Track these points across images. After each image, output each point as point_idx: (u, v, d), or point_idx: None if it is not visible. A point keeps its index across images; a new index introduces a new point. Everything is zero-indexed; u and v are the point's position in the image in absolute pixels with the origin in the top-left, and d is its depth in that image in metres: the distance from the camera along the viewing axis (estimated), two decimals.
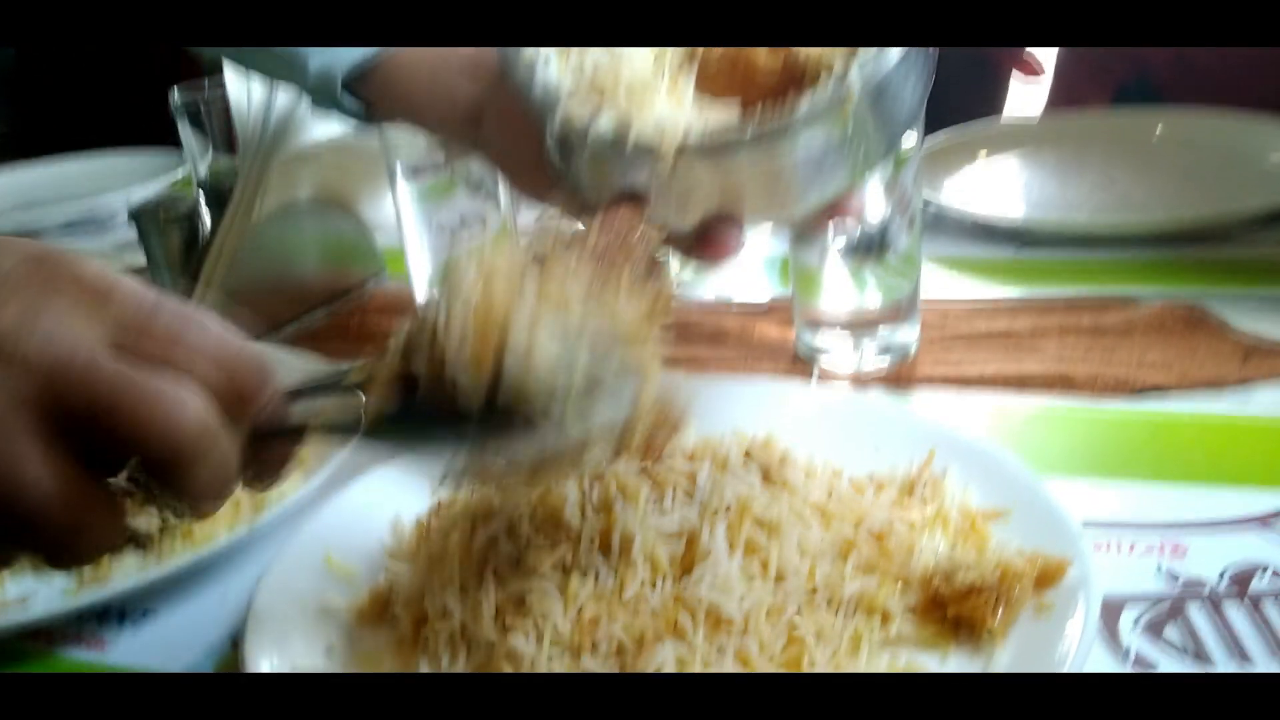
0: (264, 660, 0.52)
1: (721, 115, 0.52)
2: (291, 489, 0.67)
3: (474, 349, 0.41)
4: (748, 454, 0.57)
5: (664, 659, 0.48)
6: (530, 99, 0.54)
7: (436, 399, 0.42)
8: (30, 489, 0.35)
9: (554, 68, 0.54)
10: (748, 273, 1.02)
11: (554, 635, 0.50)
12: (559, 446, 0.43)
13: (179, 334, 0.39)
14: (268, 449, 0.43)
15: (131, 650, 0.59)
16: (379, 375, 0.44)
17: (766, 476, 0.56)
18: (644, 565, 0.51)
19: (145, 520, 0.63)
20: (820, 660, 0.49)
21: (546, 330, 0.41)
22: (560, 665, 0.49)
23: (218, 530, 0.65)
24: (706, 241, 0.54)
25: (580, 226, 0.49)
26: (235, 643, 0.57)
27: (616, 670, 0.48)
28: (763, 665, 0.49)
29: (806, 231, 0.77)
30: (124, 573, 0.63)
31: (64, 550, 0.38)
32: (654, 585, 0.51)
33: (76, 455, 0.36)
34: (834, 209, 0.56)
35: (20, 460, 0.35)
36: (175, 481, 0.38)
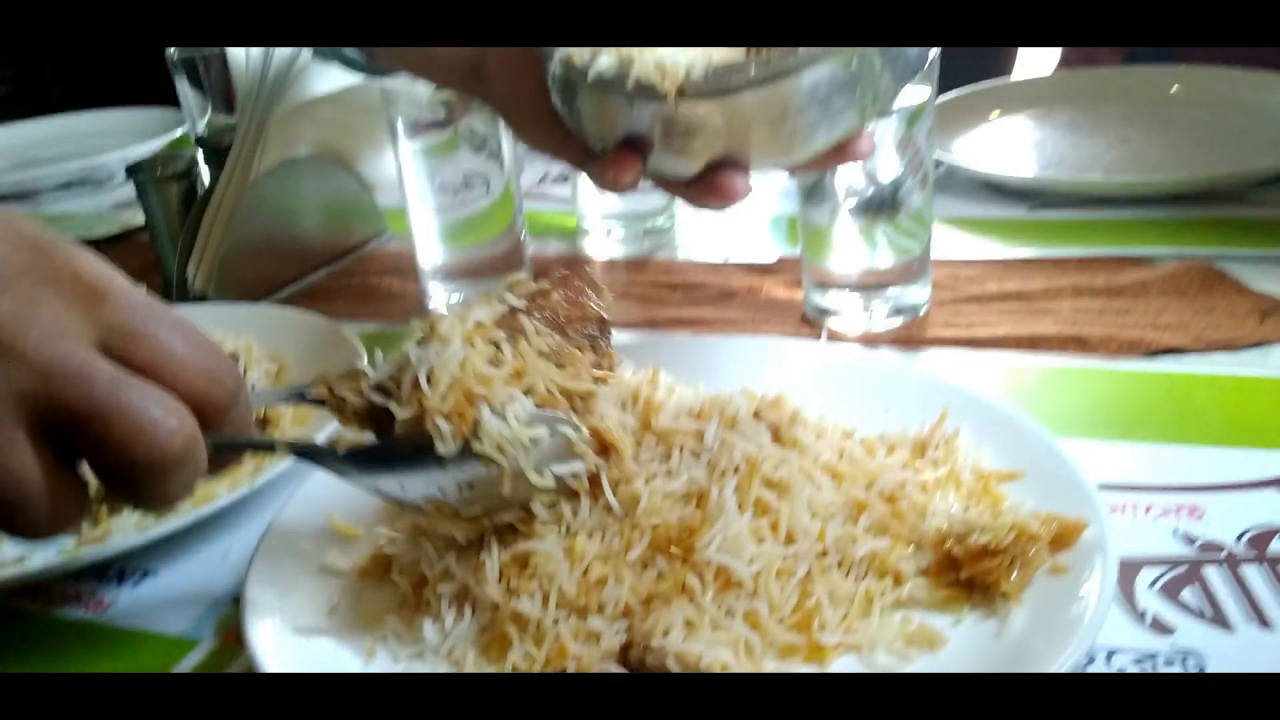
0: (265, 620, 0.51)
1: (725, 54, 0.51)
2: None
3: (457, 404, 0.48)
4: (757, 413, 0.56)
5: (671, 620, 0.47)
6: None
7: (412, 440, 0.48)
8: (15, 475, 0.36)
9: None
10: (754, 232, 1.00)
11: (560, 597, 0.49)
12: (515, 488, 0.50)
13: (168, 343, 0.40)
14: (224, 455, 0.45)
15: (131, 610, 0.58)
16: (351, 406, 0.51)
17: (776, 436, 0.55)
18: (651, 527, 0.50)
19: None
20: (831, 621, 0.48)
21: (517, 392, 0.50)
22: (566, 627, 0.48)
23: (218, 489, 0.64)
24: (711, 187, 0.53)
25: (538, 284, 0.55)
26: (236, 602, 0.56)
27: (624, 631, 0.47)
28: (773, 627, 0.48)
29: (813, 176, 0.75)
30: (123, 532, 0.62)
31: (31, 529, 0.38)
32: (663, 548, 0.50)
33: (59, 447, 0.37)
34: (842, 153, 0.55)
35: (9, 449, 0.36)
36: (148, 489, 0.39)
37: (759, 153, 0.52)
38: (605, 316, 0.56)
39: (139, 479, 0.38)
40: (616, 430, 0.53)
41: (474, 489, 0.50)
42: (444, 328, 0.51)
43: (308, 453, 0.51)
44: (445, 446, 0.48)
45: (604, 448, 0.53)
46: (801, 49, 0.48)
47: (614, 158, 0.54)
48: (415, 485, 0.50)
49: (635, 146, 0.53)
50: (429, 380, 0.49)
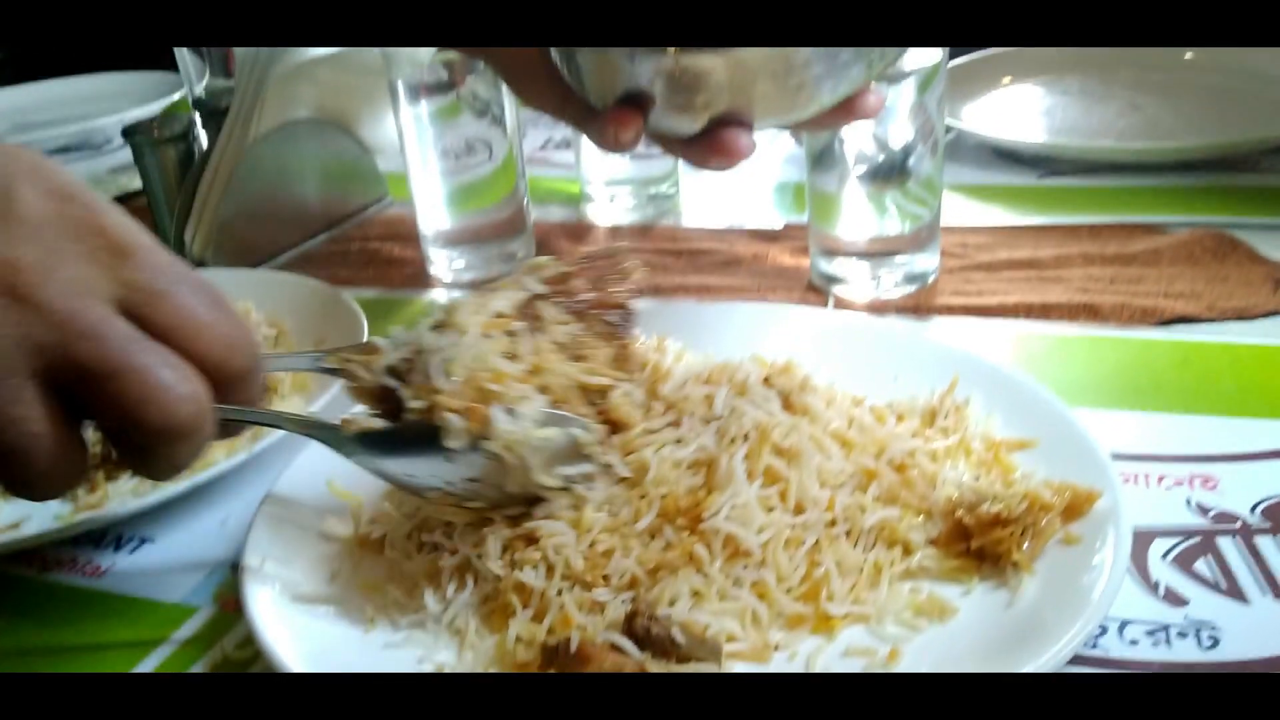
0: (264, 587, 0.50)
1: None
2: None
3: (470, 401, 0.48)
4: (767, 379, 0.55)
5: (678, 590, 0.46)
6: None
7: (421, 428, 0.48)
8: (18, 425, 0.36)
9: None
10: (760, 199, 0.99)
11: (566, 569, 0.48)
12: (522, 485, 0.49)
13: (189, 306, 0.39)
14: (231, 425, 0.45)
15: (128, 577, 0.57)
16: (362, 382, 0.50)
17: (786, 403, 0.54)
18: (660, 496, 0.50)
19: None
20: (839, 592, 0.48)
21: (531, 390, 0.49)
22: (571, 598, 0.47)
23: (217, 455, 0.63)
24: (714, 145, 0.51)
25: (561, 268, 0.54)
26: (235, 569, 0.55)
27: (629, 601, 0.47)
28: (780, 597, 0.47)
29: (821, 140, 0.74)
30: (120, 498, 0.61)
31: (28, 486, 0.38)
32: (671, 517, 0.49)
33: (66, 403, 0.37)
34: (848, 109, 0.53)
35: (16, 396, 0.36)
36: (154, 454, 0.39)
37: (763, 109, 0.51)
38: (629, 304, 0.55)
39: (146, 443, 0.38)
40: (626, 407, 0.52)
41: (480, 482, 0.49)
42: (462, 316, 0.50)
43: (316, 431, 0.50)
44: (455, 441, 0.48)
45: (614, 424, 0.52)
46: None
47: (614, 115, 0.52)
48: (421, 473, 0.50)
49: (636, 103, 0.52)
50: (443, 371, 0.49)
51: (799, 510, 0.49)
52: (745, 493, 0.49)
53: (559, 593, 0.47)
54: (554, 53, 0.54)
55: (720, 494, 0.49)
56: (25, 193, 0.37)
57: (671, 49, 0.48)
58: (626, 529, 0.49)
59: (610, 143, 0.53)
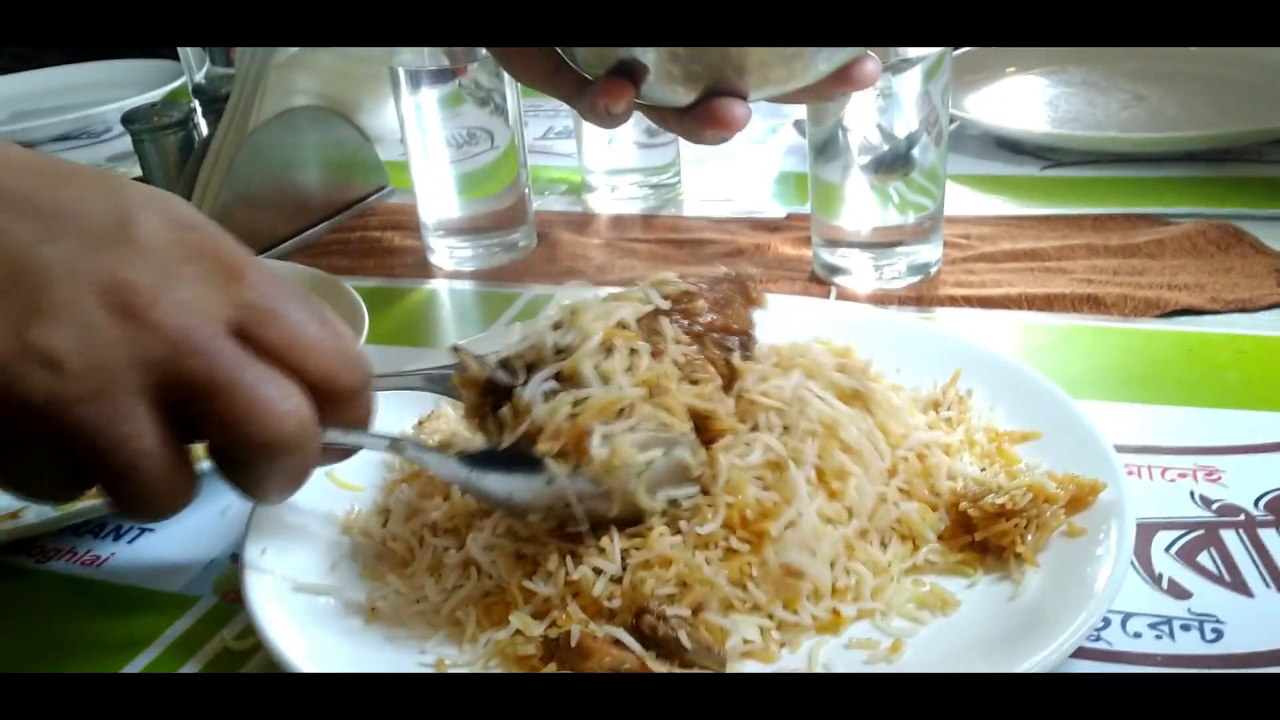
0: (264, 578, 0.50)
1: None
2: None
3: (570, 435, 0.47)
4: (841, 368, 0.54)
5: (708, 597, 0.46)
6: None
7: (522, 450, 0.48)
8: (130, 441, 0.37)
9: None
10: (762, 189, 0.99)
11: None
12: (624, 509, 0.48)
13: (300, 326, 0.40)
14: (337, 450, 0.46)
15: (127, 567, 0.57)
16: (471, 373, 0.51)
17: (855, 395, 0.53)
18: (725, 504, 0.48)
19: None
20: (861, 595, 0.47)
21: (631, 427, 0.48)
22: (575, 606, 0.47)
23: None
24: (709, 116, 0.51)
25: (688, 285, 0.54)
26: (235, 559, 0.55)
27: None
28: (809, 607, 0.46)
29: (823, 131, 0.73)
30: None
31: (138, 505, 0.39)
32: (734, 527, 0.48)
33: (176, 422, 0.38)
34: (845, 79, 0.52)
35: (128, 413, 0.36)
36: (256, 473, 0.40)
37: (759, 78, 0.49)
38: (751, 330, 0.55)
39: (249, 458, 0.39)
40: (727, 419, 0.51)
41: (582, 504, 0.48)
42: (585, 321, 0.50)
43: (418, 452, 0.50)
44: (554, 471, 0.47)
45: (712, 433, 0.51)
46: None
47: (605, 86, 0.51)
48: (523, 494, 0.48)
49: (628, 74, 0.51)
50: (561, 376, 0.49)
51: (850, 516, 0.49)
52: (809, 511, 0.47)
53: (564, 599, 0.47)
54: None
55: (787, 509, 0.47)
56: (144, 218, 0.38)
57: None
58: (685, 544, 0.48)
59: (601, 114, 0.52)
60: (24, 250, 0.36)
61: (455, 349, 0.52)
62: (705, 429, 0.50)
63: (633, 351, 0.49)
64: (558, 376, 0.49)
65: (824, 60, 0.49)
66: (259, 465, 0.39)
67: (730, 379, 0.53)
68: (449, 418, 0.61)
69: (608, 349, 0.49)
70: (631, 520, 0.49)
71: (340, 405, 0.42)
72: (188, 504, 0.40)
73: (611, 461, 0.47)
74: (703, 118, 0.51)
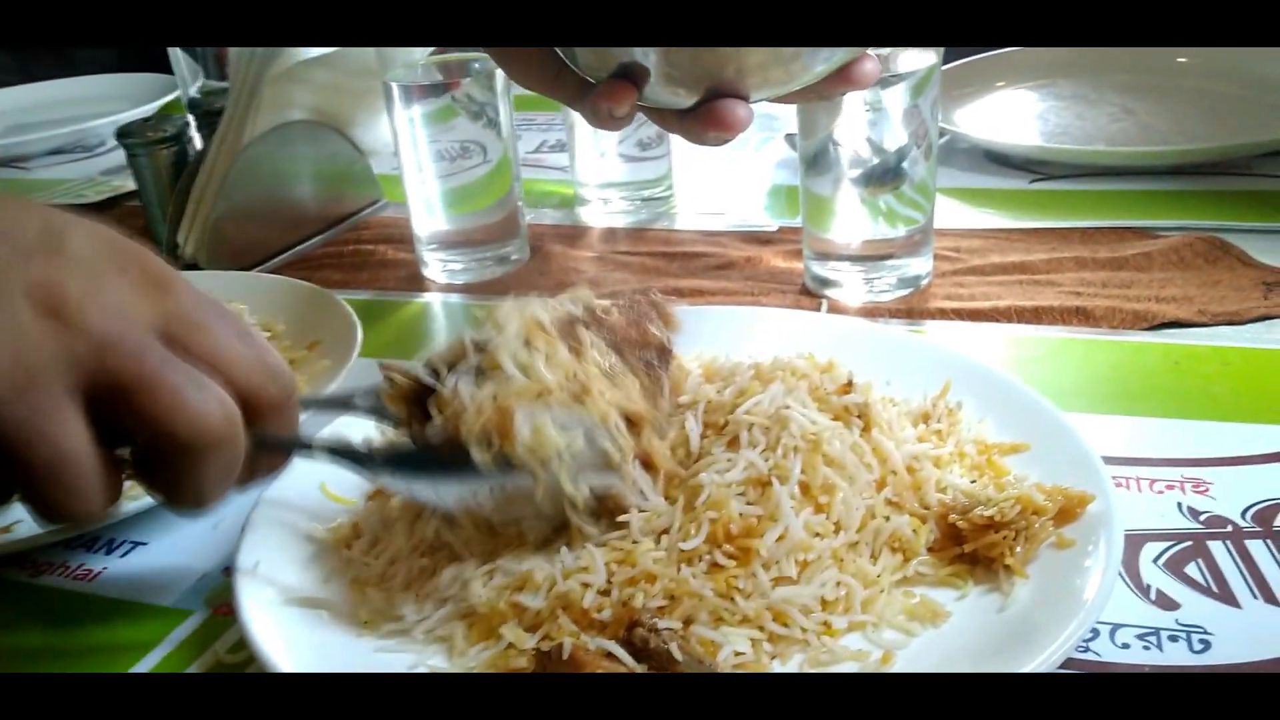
0: (257, 592, 0.50)
1: None
2: None
3: (493, 418, 0.48)
4: (817, 388, 0.54)
5: (698, 610, 0.46)
6: None
7: (448, 446, 0.48)
8: (55, 440, 0.37)
9: None
10: (753, 202, 0.99)
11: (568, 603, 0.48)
12: (550, 499, 0.49)
13: (224, 338, 0.41)
14: (269, 458, 0.47)
15: (120, 581, 0.57)
16: (398, 385, 0.51)
17: (851, 411, 0.53)
18: (709, 520, 0.48)
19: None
20: (852, 607, 0.47)
21: (553, 418, 0.48)
22: (566, 619, 0.47)
23: None
24: (711, 117, 0.51)
25: (605, 301, 0.55)
26: (227, 573, 0.55)
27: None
28: (799, 619, 0.46)
29: (814, 102, 0.73)
30: None
31: (57, 507, 0.38)
32: (718, 542, 0.48)
33: (100, 425, 0.38)
34: (845, 78, 0.52)
35: (54, 411, 0.37)
36: (183, 472, 0.40)
37: (759, 79, 0.49)
38: (667, 345, 0.56)
39: (175, 458, 0.39)
40: (661, 453, 0.52)
41: (508, 497, 0.49)
42: (502, 315, 0.51)
43: (343, 455, 0.51)
44: (480, 456, 0.48)
45: (648, 464, 0.51)
46: None
47: (607, 89, 0.51)
48: (450, 491, 0.50)
49: (629, 77, 0.51)
50: (481, 369, 0.49)
51: (838, 530, 0.49)
52: (795, 525, 0.48)
53: (554, 613, 0.47)
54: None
55: (772, 525, 0.48)
56: (74, 233, 0.39)
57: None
58: (667, 559, 0.48)
59: (603, 117, 0.52)
60: None
61: (382, 365, 0.53)
62: (633, 429, 0.51)
63: (549, 347, 0.51)
64: (479, 371, 0.50)
65: (823, 61, 0.49)
66: (184, 464, 0.40)
67: (654, 389, 0.54)
68: None
69: (526, 343, 0.50)
70: (558, 522, 0.50)
71: (264, 416, 0.43)
72: (112, 507, 0.40)
73: (536, 441, 0.47)
74: (704, 119, 0.51)
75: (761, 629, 0.46)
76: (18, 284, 0.37)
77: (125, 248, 0.41)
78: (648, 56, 0.49)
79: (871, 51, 0.51)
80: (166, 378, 0.38)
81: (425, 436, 0.50)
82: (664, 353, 0.56)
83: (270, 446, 0.45)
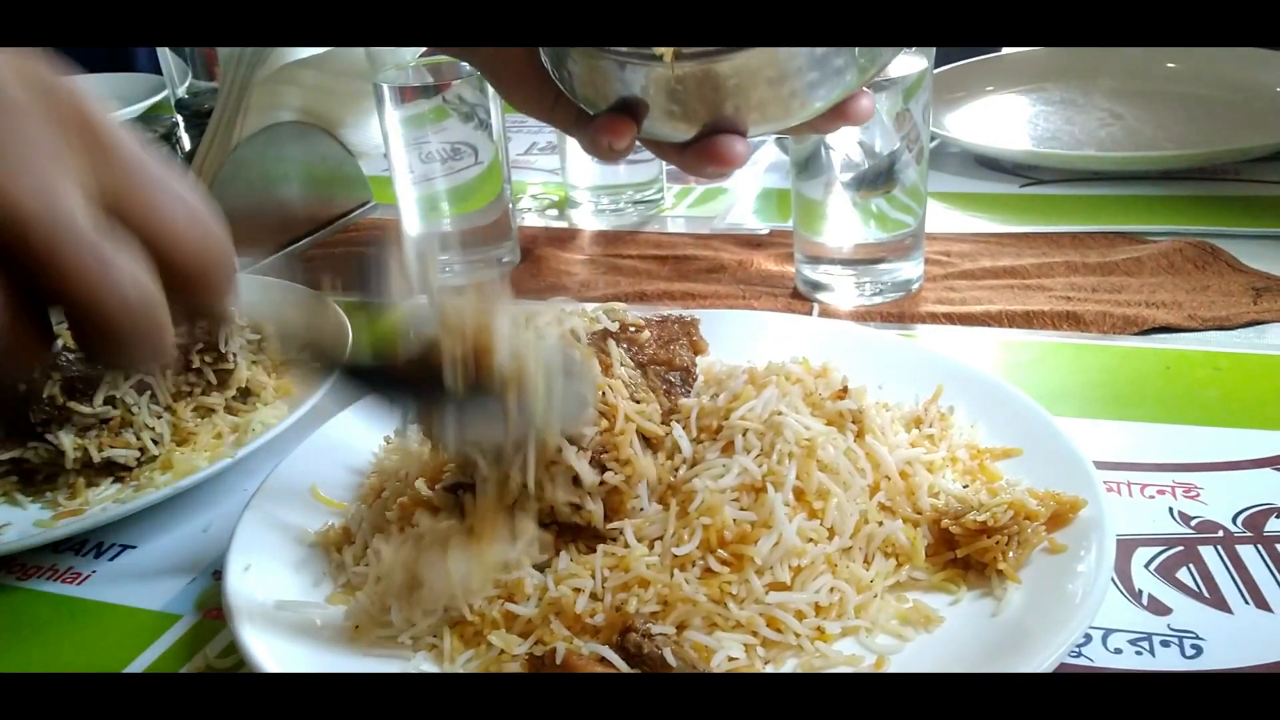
0: (246, 595, 0.49)
1: None
2: (274, 420, 0.65)
3: (473, 340, 0.47)
4: (811, 394, 0.54)
5: (692, 616, 0.46)
6: None
7: (423, 368, 0.47)
8: None
9: None
10: (745, 204, 0.99)
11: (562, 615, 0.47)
12: (515, 432, 0.47)
13: (158, 207, 0.38)
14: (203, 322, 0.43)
15: (109, 585, 0.57)
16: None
17: (845, 417, 0.53)
18: (703, 526, 0.48)
19: (124, 451, 0.61)
20: (846, 612, 0.47)
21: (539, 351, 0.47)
22: (559, 624, 0.47)
23: (198, 462, 0.63)
24: (709, 153, 0.51)
25: (638, 319, 0.56)
26: (217, 576, 0.55)
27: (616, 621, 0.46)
28: (793, 624, 0.46)
29: (809, 147, 0.74)
30: (101, 504, 0.61)
31: None
32: (712, 548, 0.48)
33: (23, 291, 0.36)
34: (841, 113, 0.53)
35: None
36: (107, 343, 0.38)
37: (757, 115, 0.50)
38: (692, 369, 0.56)
39: (95, 334, 0.37)
40: (663, 439, 0.52)
41: (481, 423, 0.47)
42: (542, 322, 0.50)
43: (307, 354, 0.51)
44: (451, 377, 0.46)
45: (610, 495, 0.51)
46: None
47: (607, 123, 0.52)
48: (417, 409, 0.48)
49: (629, 110, 0.52)
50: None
51: (832, 535, 0.49)
52: (789, 531, 0.48)
53: (547, 620, 0.47)
54: (544, 56, 0.53)
55: (766, 532, 0.48)
56: (7, 81, 0.36)
57: (667, 57, 0.48)
58: (661, 563, 0.48)
59: (603, 151, 0.53)
60: None
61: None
62: (647, 449, 0.51)
63: (585, 358, 0.51)
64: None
65: (821, 99, 0.50)
66: (106, 337, 0.38)
67: (668, 412, 0.54)
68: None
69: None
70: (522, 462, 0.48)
71: (193, 287, 0.40)
72: (36, 365, 0.39)
73: (515, 370, 0.46)
74: (703, 154, 0.51)
75: (755, 634, 0.46)
76: None
77: (62, 96, 0.37)
78: (648, 91, 0.49)
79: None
80: (82, 256, 0.36)
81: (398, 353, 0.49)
82: (687, 376, 0.56)
83: (200, 315, 0.42)
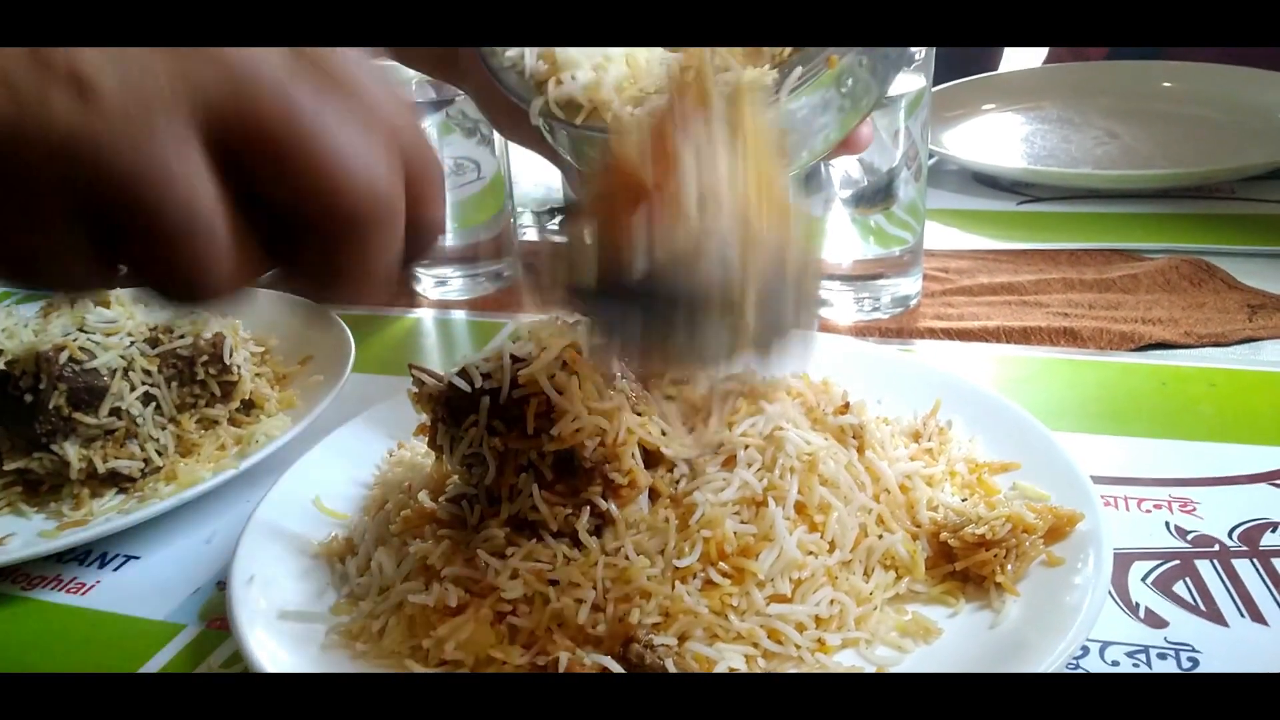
0: (250, 605, 0.50)
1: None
2: (278, 432, 0.65)
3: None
4: (813, 409, 0.55)
5: (693, 627, 0.46)
6: (509, 89, 0.52)
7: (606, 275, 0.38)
8: (180, 189, 0.29)
9: (529, 58, 0.51)
10: None
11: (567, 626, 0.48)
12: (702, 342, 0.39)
13: (374, 91, 0.32)
14: (416, 245, 0.35)
15: (113, 595, 0.57)
16: (427, 388, 0.49)
17: (846, 432, 0.54)
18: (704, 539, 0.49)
19: (128, 462, 0.62)
20: (845, 624, 0.48)
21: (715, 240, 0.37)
22: (561, 635, 0.47)
23: (202, 473, 0.63)
24: None
25: None
26: (221, 587, 0.55)
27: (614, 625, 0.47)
28: (793, 636, 0.47)
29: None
30: (106, 515, 0.61)
31: (182, 275, 0.30)
32: (713, 560, 0.48)
33: (240, 184, 0.30)
34: (840, 146, 0.54)
35: (179, 155, 0.29)
36: (339, 251, 0.32)
37: None
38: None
39: (331, 231, 0.31)
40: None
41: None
42: (544, 336, 0.50)
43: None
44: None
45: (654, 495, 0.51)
46: (790, 76, 0.47)
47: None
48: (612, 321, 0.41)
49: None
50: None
51: (832, 549, 0.49)
52: (789, 545, 0.48)
53: (548, 630, 0.47)
54: (532, 116, 0.54)
55: (768, 546, 0.48)
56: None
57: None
58: (662, 575, 0.48)
59: None
60: None
61: (412, 366, 0.52)
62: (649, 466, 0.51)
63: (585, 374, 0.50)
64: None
65: (804, 155, 0.51)
66: (342, 240, 0.31)
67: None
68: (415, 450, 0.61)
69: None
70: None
71: (420, 191, 0.33)
72: (246, 285, 0.32)
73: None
74: None
75: (756, 645, 0.46)
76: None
77: None
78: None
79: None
80: (324, 125, 0.30)
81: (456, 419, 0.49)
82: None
83: (418, 231, 0.35)
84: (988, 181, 1.01)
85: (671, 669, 0.44)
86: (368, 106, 0.31)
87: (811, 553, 0.49)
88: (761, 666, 0.46)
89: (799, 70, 0.46)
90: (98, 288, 0.32)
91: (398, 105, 0.33)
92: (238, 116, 0.29)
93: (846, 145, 0.53)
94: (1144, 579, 0.51)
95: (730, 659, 0.46)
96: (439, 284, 0.88)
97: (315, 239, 0.31)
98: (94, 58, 0.28)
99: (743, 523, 0.49)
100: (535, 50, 0.51)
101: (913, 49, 0.68)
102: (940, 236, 0.91)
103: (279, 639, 0.48)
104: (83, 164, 0.28)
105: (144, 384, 0.64)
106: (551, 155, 0.59)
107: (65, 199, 0.28)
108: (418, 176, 0.33)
